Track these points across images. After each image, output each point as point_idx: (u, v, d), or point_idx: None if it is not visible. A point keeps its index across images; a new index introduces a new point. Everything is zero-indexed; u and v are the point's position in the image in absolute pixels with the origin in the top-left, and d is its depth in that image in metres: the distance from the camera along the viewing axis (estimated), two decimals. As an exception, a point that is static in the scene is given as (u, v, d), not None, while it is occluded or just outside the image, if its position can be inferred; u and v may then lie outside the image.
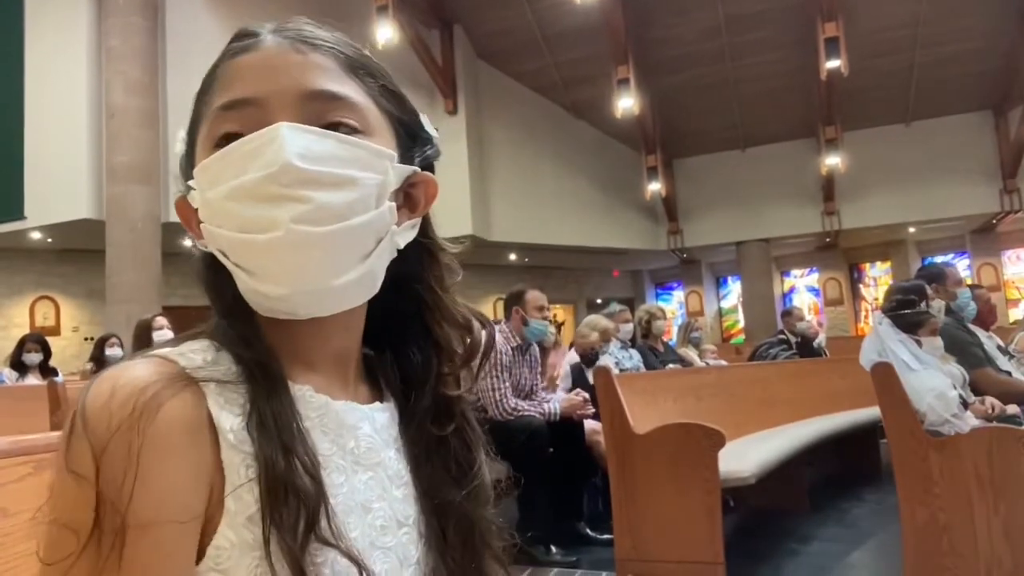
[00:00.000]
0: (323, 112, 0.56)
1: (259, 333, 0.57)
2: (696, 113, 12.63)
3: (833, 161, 11.91)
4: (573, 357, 4.81)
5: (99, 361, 5.08)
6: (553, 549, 3.57)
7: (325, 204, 0.52)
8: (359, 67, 0.60)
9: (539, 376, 4.05)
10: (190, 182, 0.57)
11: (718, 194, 13.64)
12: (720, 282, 17.11)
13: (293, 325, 0.57)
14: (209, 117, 0.57)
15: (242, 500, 0.50)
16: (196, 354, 0.54)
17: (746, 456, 3.39)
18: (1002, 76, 11.36)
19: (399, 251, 0.60)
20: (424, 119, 0.66)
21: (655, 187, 12.62)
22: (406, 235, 0.61)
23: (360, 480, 0.58)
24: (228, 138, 0.55)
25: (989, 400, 3.23)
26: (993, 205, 12.37)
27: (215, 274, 0.58)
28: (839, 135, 11.82)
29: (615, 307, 5.32)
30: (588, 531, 3.84)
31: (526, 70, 12.16)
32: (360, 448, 0.59)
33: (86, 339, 10.25)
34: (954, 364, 3.16)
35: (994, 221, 13.27)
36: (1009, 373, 3.46)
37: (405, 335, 0.67)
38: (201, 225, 0.56)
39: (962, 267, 14.34)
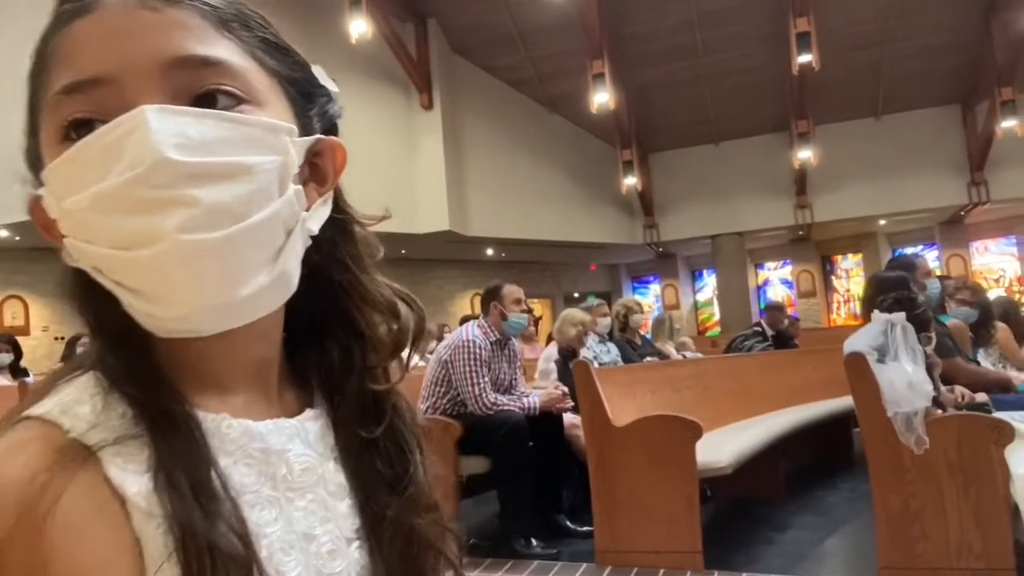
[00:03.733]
0: (194, 83, 0.45)
1: (153, 363, 0.48)
2: (670, 107, 12.71)
3: (805, 155, 12.05)
4: (551, 352, 4.83)
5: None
6: (534, 542, 3.59)
7: (216, 203, 0.43)
8: (231, 19, 0.49)
9: (518, 370, 4.06)
10: (41, 190, 0.47)
11: (693, 188, 13.75)
12: (696, 275, 17.25)
13: (198, 342, 0.47)
14: (50, 104, 0.46)
15: None
16: (82, 406, 0.44)
17: (723, 447, 3.44)
18: (969, 71, 11.56)
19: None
20: (318, 71, 0.55)
21: (631, 181, 12.69)
22: (319, 216, 0.51)
23: (297, 508, 0.50)
24: (78, 127, 0.44)
25: (959, 389, 3.31)
26: (961, 197, 12.60)
27: (90, 290, 0.47)
28: (811, 129, 11.96)
29: (592, 301, 5.36)
30: (568, 523, 3.87)
31: (502, 65, 12.15)
32: (294, 472, 0.51)
33: (57, 339, 10.09)
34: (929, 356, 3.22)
35: (962, 213, 13.52)
36: (977, 362, 3.54)
37: (324, 327, 0.58)
38: (65, 240, 0.45)
39: (931, 258, 14.59)
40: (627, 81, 11.58)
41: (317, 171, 0.52)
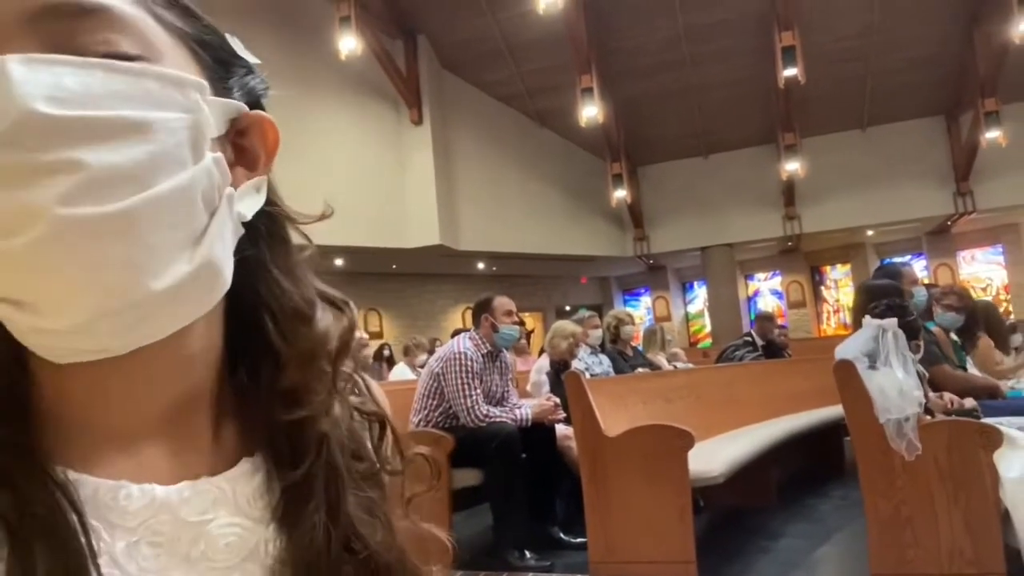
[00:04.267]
0: (73, 37, 0.36)
1: (24, 434, 0.36)
2: (659, 121, 12.81)
3: (793, 167, 12.16)
4: (543, 364, 4.84)
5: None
6: (527, 554, 3.58)
7: (108, 166, 0.34)
8: None
9: (510, 382, 4.07)
10: None
11: (682, 200, 13.83)
12: (686, 287, 17.32)
13: (95, 378, 0.38)
14: None
15: None
16: None
17: (715, 456, 3.45)
18: (953, 82, 11.71)
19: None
20: (234, 41, 0.46)
21: (620, 194, 12.75)
22: (250, 201, 0.43)
23: None
24: None
25: (948, 395, 3.34)
26: (947, 207, 12.71)
27: None
28: (798, 141, 12.07)
29: (584, 313, 5.38)
30: (562, 535, 3.86)
31: (491, 80, 12.22)
32: (215, 548, 0.40)
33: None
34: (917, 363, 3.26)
35: (949, 223, 13.64)
36: (965, 369, 3.58)
37: (239, 344, 0.46)
38: None
39: (919, 268, 14.70)
40: (615, 95, 11.67)
41: (245, 154, 0.44)
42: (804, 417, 4.78)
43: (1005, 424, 2.85)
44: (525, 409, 3.82)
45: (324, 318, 0.47)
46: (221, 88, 0.43)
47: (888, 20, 10.51)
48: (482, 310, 4.00)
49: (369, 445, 0.50)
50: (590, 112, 10.50)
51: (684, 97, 12.17)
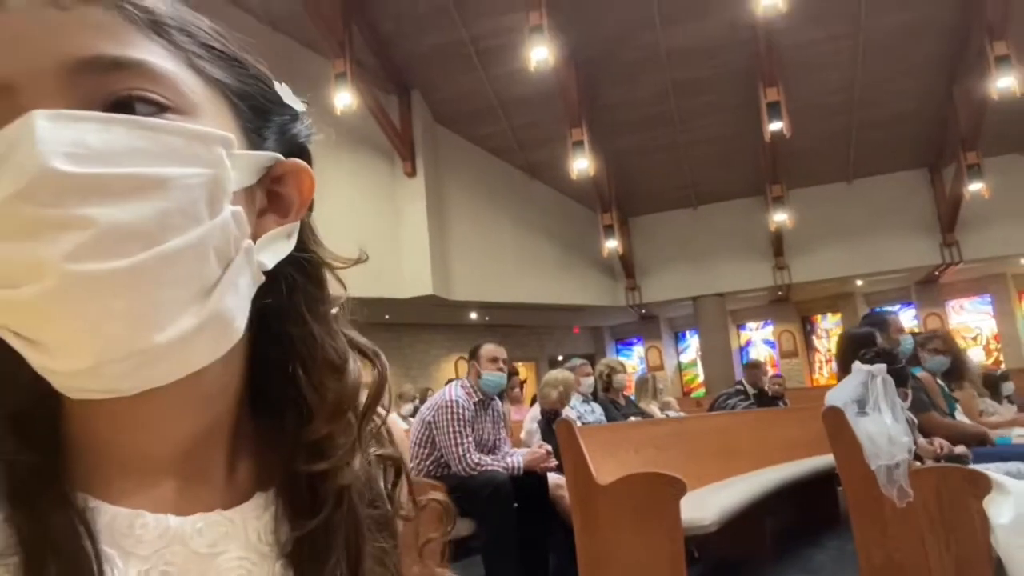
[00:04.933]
0: (106, 89, 0.38)
1: (51, 460, 0.39)
2: (649, 173, 13.02)
3: (781, 218, 12.34)
4: (535, 413, 4.84)
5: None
6: (520, 607, 3.53)
7: (118, 224, 0.35)
8: (164, 22, 0.41)
9: (502, 430, 4.06)
10: None
11: (673, 251, 13.97)
12: (679, 336, 17.36)
13: (118, 412, 0.40)
14: None
15: None
16: None
17: (707, 504, 3.43)
18: (935, 136, 11.99)
19: (272, 271, 0.43)
20: (282, 87, 0.48)
21: (612, 244, 12.88)
22: (275, 250, 0.43)
23: None
24: None
25: (938, 441, 3.35)
26: (935, 257, 12.87)
27: None
28: (785, 193, 12.29)
29: (576, 361, 5.39)
30: (554, 587, 3.81)
31: (483, 133, 12.44)
32: None
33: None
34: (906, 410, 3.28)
35: (936, 273, 13.80)
36: (954, 417, 3.60)
37: (267, 391, 0.48)
38: None
39: (909, 317, 14.81)
40: (606, 148, 11.89)
41: (279, 200, 0.45)
42: (797, 466, 4.76)
43: (994, 470, 2.87)
44: (517, 457, 3.81)
45: (355, 370, 0.48)
46: (256, 138, 0.44)
47: (869, 75, 10.81)
48: (471, 358, 4.02)
49: (383, 489, 0.51)
50: (581, 165, 10.68)
51: (673, 150, 12.41)
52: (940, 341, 3.98)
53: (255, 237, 0.42)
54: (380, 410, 0.50)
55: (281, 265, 0.44)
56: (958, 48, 10.42)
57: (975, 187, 11.10)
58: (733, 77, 10.93)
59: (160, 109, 0.39)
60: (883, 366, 2.83)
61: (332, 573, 0.45)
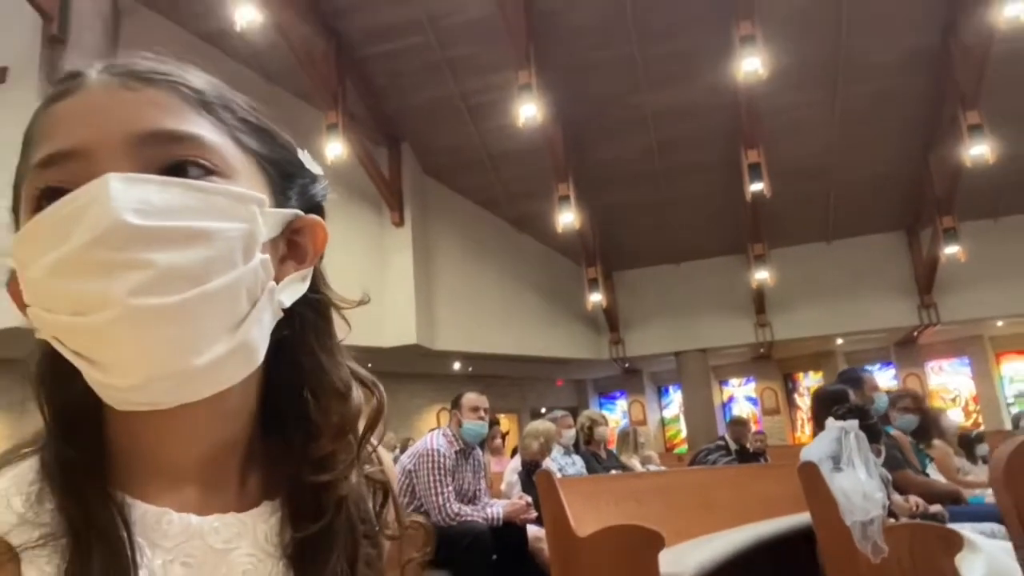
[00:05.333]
0: (164, 155, 0.47)
1: (95, 455, 0.48)
2: (633, 228, 13.23)
3: (762, 276, 12.52)
4: (516, 464, 4.84)
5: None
6: (496, 662, 3.49)
7: (172, 267, 0.43)
8: (211, 101, 0.51)
9: (483, 480, 4.06)
10: (9, 259, 0.48)
11: (657, 306, 14.08)
12: (662, 391, 17.37)
13: (155, 423, 0.47)
14: (28, 179, 0.47)
15: None
16: (16, 497, 0.45)
17: (686, 559, 3.43)
18: (912, 199, 12.28)
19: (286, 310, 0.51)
20: (304, 154, 0.57)
21: (596, 298, 12.98)
22: (292, 291, 0.51)
23: None
24: (50, 197, 0.45)
25: (913, 498, 3.40)
26: (913, 318, 13.05)
27: (53, 369, 0.48)
28: (766, 252, 12.51)
29: (557, 413, 5.41)
30: (531, 642, 3.77)
31: (471, 185, 12.63)
32: (235, 574, 0.49)
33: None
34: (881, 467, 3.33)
35: (915, 334, 13.97)
36: (927, 474, 3.65)
37: (279, 412, 0.55)
38: (28, 309, 0.46)
39: (888, 377, 14.93)
40: (592, 203, 12.10)
41: (297, 248, 0.53)
42: (776, 523, 4.76)
43: (968, 529, 2.91)
44: (497, 508, 3.80)
45: (357, 396, 0.56)
46: (281, 198, 0.53)
47: (847, 139, 11.14)
48: (453, 407, 4.04)
49: (371, 509, 0.58)
50: (567, 219, 10.85)
51: (657, 207, 12.64)
52: (910, 400, 4.06)
53: (277, 280, 0.50)
54: (372, 440, 0.58)
55: (296, 303, 0.52)
56: (932, 116, 10.80)
57: (951, 250, 11.34)
58: (715, 138, 11.23)
59: (207, 172, 0.48)
60: (855, 422, 2.89)
61: (333, 568, 0.52)
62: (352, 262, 10.78)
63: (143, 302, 0.42)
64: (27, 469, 0.47)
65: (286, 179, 0.54)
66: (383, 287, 11.20)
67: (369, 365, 0.65)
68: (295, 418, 0.54)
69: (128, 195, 0.43)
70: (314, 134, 9.86)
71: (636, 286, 14.33)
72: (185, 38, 9.98)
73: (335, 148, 9.63)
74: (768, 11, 8.87)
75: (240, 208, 0.47)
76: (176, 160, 0.47)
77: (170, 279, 0.43)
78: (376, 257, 11.33)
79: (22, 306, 0.47)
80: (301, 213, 0.54)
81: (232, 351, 0.45)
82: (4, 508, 0.44)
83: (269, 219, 0.50)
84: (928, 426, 4.01)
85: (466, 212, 12.97)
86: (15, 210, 0.50)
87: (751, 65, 8.56)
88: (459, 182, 12.62)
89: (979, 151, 9.49)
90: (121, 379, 0.43)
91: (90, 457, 0.47)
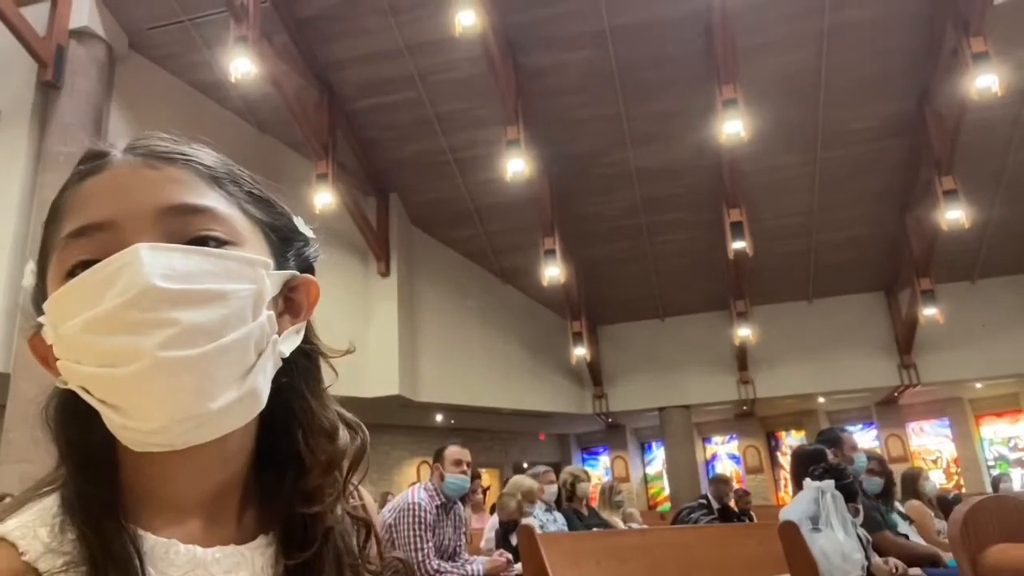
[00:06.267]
0: (185, 227, 0.53)
1: (110, 492, 0.53)
2: (618, 283, 13.34)
3: (745, 332, 12.61)
4: (495, 521, 4.76)
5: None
6: None
7: (195, 324, 0.49)
8: (221, 177, 0.57)
9: (463, 536, 4.00)
10: (41, 318, 0.53)
11: (640, 360, 14.09)
12: (645, 447, 17.25)
13: (165, 463, 0.52)
14: (59, 247, 0.53)
15: None
16: (42, 527, 0.50)
17: (667, 620, 3.39)
18: (889, 260, 12.51)
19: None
20: (298, 221, 0.64)
21: (580, 352, 12.99)
22: (290, 343, 0.58)
23: None
24: (83, 267, 0.51)
25: (893, 561, 3.39)
26: (893, 379, 13.14)
27: (70, 414, 0.54)
28: (749, 309, 12.62)
29: (540, 468, 5.37)
30: None
31: (458, 237, 12.74)
32: None
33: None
34: (860, 528, 3.33)
35: (896, 394, 14.04)
36: (907, 536, 3.65)
37: (272, 450, 0.61)
38: (58, 362, 0.51)
39: (870, 438, 14.95)
40: (577, 257, 12.22)
41: (292, 304, 0.60)
42: (758, 584, 4.71)
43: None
44: (477, 565, 3.75)
45: (344, 437, 0.62)
46: (281, 260, 0.60)
47: (826, 201, 11.39)
48: (435, 459, 4.01)
49: (355, 544, 0.63)
50: (552, 272, 10.94)
51: (641, 262, 12.78)
52: (875, 462, 4.08)
53: (278, 333, 0.57)
54: (353, 480, 0.65)
55: (296, 354, 0.59)
56: (909, 180, 11.09)
57: (930, 312, 11.49)
58: (699, 197, 11.45)
59: (223, 242, 0.54)
60: (831, 482, 2.91)
61: None
62: (337, 310, 10.76)
63: (170, 355, 0.48)
64: (50, 503, 0.52)
65: (285, 243, 0.61)
66: (367, 336, 11.16)
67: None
68: (287, 455, 0.60)
69: (156, 262, 0.50)
70: (304, 183, 9.95)
71: (620, 340, 14.37)
72: (179, 87, 10.13)
73: (324, 197, 9.73)
74: (750, 76, 9.16)
75: (250, 271, 0.54)
76: (197, 233, 0.54)
77: (192, 334, 0.49)
78: (361, 306, 11.32)
79: (41, 358, 0.54)
80: (297, 273, 0.60)
81: (241, 397, 0.52)
82: (32, 538, 0.49)
83: (273, 279, 0.56)
84: (891, 489, 4.02)
85: (452, 263, 13.04)
86: (41, 270, 0.56)
87: (733, 127, 8.79)
88: (446, 234, 12.73)
89: (955, 215, 9.72)
90: (143, 423, 0.49)
91: (105, 493, 0.52)
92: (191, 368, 0.49)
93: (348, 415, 0.64)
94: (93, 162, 0.55)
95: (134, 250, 0.50)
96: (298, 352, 0.59)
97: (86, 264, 0.51)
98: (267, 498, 0.60)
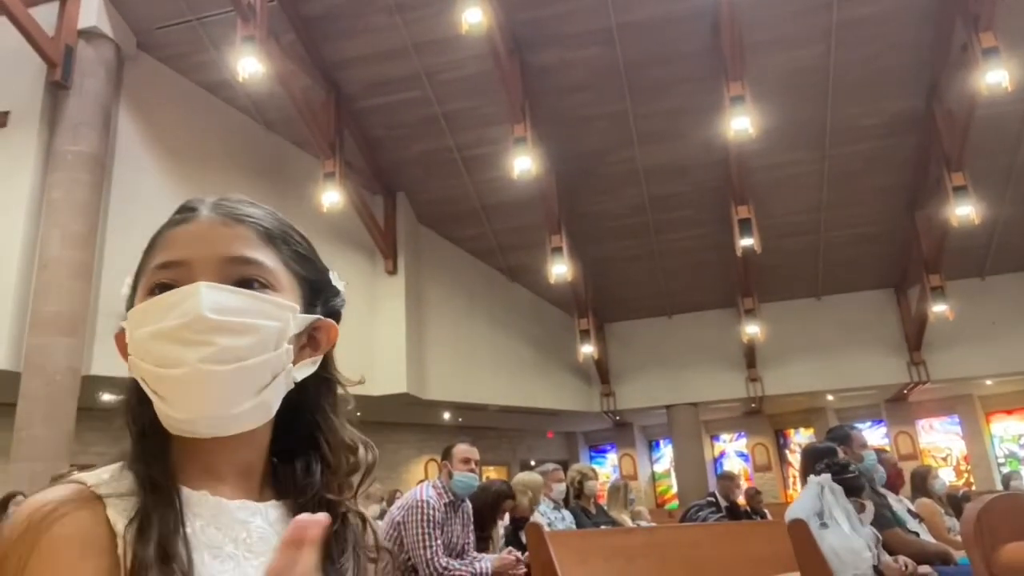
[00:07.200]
0: (238, 273, 0.69)
1: (162, 452, 0.68)
2: (625, 281, 13.31)
3: (753, 330, 12.55)
4: (505, 519, 4.77)
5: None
6: None
7: (228, 347, 0.64)
8: (276, 237, 0.74)
9: (471, 534, 4.01)
10: (123, 321, 0.70)
11: (648, 358, 14.06)
12: (653, 445, 17.21)
13: (201, 441, 0.68)
14: (148, 272, 0.70)
15: None
16: (105, 473, 0.66)
17: (676, 618, 3.38)
18: (899, 258, 12.44)
19: (302, 382, 0.73)
20: (333, 275, 0.81)
21: (587, 350, 12.97)
22: (304, 371, 0.73)
23: (252, 566, 0.67)
24: (162, 288, 0.68)
25: (902, 559, 3.37)
26: (902, 376, 13.08)
27: (138, 401, 0.69)
28: (757, 306, 12.56)
29: (548, 466, 5.36)
30: None
31: (465, 235, 12.74)
32: (252, 538, 0.68)
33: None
34: (869, 525, 3.32)
35: (905, 391, 13.96)
36: (917, 534, 3.63)
37: (300, 450, 0.77)
38: (129, 356, 0.68)
39: (879, 435, 14.88)
40: (584, 255, 12.21)
41: (314, 341, 0.75)
42: (767, 582, 4.69)
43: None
44: (485, 562, 3.75)
45: (363, 451, 0.79)
46: (310, 306, 0.75)
47: (836, 198, 11.34)
48: (444, 457, 4.01)
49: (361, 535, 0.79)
50: (559, 270, 10.93)
51: (649, 259, 12.76)
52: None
53: (295, 362, 0.72)
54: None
55: (314, 379, 0.75)
56: (918, 177, 11.03)
57: (939, 308, 11.43)
58: (706, 194, 11.42)
59: (264, 287, 0.70)
60: (828, 476, 2.90)
61: (346, 564, 0.73)
62: (344, 309, 10.76)
63: (207, 368, 0.64)
64: (116, 465, 0.68)
65: (316, 293, 0.77)
66: (373, 335, 11.18)
67: (358, 413, 0.83)
68: (315, 455, 0.77)
69: (210, 297, 0.66)
70: (311, 182, 9.98)
71: (628, 338, 14.34)
72: (187, 86, 10.17)
73: (331, 196, 9.75)
74: (758, 72, 9.13)
75: (279, 312, 0.70)
76: (245, 277, 0.70)
77: (225, 354, 0.65)
78: (368, 305, 11.34)
79: (124, 353, 0.70)
80: (321, 318, 0.76)
81: (254, 407, 0.68)
82: (96, 477, 0.65)
83: (298, 321, 0.72)
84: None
85: (459, 261, 13.05)
86: (134, 287, 0.73)
87: (741, 124, 8.77)
88: (453, 232, 12.74)
89: (965, 212, 9.66)
90: (179, 413, 0.65)
91: (163, 463, 0.68)
92: (220, 380, 0.64)
93: (361, 436, 0.81)
94: (186, 213, 0.73)
95: (196, 286, 0.66)
96: (321, 380, 0.76)
97: (164, 287, 0.68)
98: (282, 483, 0.76)
